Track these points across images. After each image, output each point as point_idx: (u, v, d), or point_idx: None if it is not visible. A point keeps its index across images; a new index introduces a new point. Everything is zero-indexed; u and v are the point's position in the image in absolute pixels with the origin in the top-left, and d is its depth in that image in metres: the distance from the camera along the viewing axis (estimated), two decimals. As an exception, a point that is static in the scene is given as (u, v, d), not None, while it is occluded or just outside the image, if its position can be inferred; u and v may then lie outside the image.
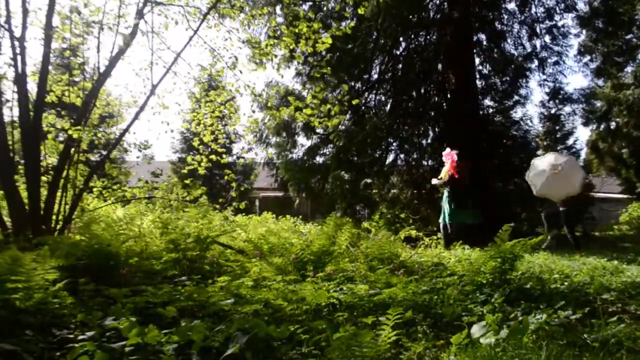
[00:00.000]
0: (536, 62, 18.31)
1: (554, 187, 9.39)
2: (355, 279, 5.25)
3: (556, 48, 18.07)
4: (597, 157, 20.91)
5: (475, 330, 3.13)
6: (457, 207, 9.30)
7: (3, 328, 2.87)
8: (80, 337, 2.79)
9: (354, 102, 10.02)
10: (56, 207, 6.17)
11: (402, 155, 18.75)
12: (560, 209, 9.74)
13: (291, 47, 7.74)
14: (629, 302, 4.79)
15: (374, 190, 17.91)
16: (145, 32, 7.30)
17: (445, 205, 9.67)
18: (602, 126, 20.73)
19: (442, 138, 18.35)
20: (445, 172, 9.64)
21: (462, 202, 9.40)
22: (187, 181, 7.77)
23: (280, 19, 11.65)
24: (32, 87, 6.37)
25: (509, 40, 18.57)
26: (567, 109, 19.28)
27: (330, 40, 7.75)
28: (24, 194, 5.99)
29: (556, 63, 18.17)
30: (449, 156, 9.82)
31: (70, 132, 6.28)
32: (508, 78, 18.32)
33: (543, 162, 9.92)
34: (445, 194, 9.66)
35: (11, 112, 6.34)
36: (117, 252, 4.95)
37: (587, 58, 19.26)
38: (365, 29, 16.43)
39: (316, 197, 18.39)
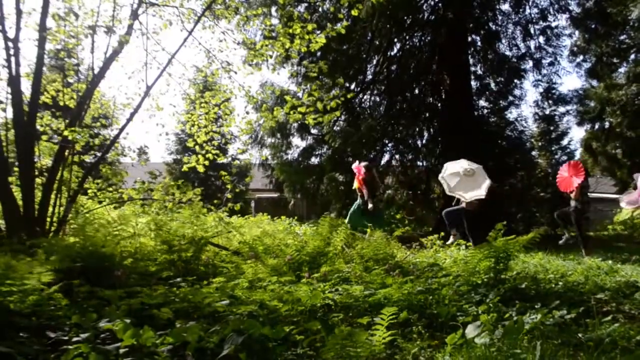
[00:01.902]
0: (530, 63, 18.41)
1: (464, 187, 10.15)
2: (350, 279, 5.25)
3: (550, 49, 18.18)
4: (592, 157, 20.96)
5: (470, 330, 3.14)
6: (363, 215, 9.55)
7: (-3, 330, 2.86)
8: (75, 339, 2.78)
9: (349, 95, 10.04)
10: (50, 208, 6.15)
11: (397, 156, 18.80)
12: (465, 209, 10.31)
13: (286, 47, 7.74)
14: (623, 302, 4.80)
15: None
16: (139, 33, 7.29)
17: (352, 211, 9.99)
18: (596, 126, 20.79)
19: (437, 139, 18.42)
20: (357, 184, 10.05)
21: (369, 211, 9.65)
22: (179, 182, 7.75)
23: (275, 20, 11.66)
24: (26, 88, 6.36)
25: (503, 41, 18.64)
26: (561, 109, 19.40)
27: (324, 40, 7.75)
28: (18, 196, 5.97)
29: (550, 64, 18.28)
30: (357, 169, 10.20)
31: (65, 133, 6.26)
32: (502, 79, 18.38)
33: (456, 165, 10.64)
34: (358, 201, 9.95)
35: (5, 114, 6.33)
36: (112, 253, 4.93)
37: (580, 58, 19.33)
38: (359, 30, 16.45)
39: (311, 198, 18.39)
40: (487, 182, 10.22)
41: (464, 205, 10.41)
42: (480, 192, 10.06)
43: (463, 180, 10.20)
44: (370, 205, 9.60)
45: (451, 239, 10.03)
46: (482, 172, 10.53)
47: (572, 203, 10.16)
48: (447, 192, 10.63)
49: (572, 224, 10.27)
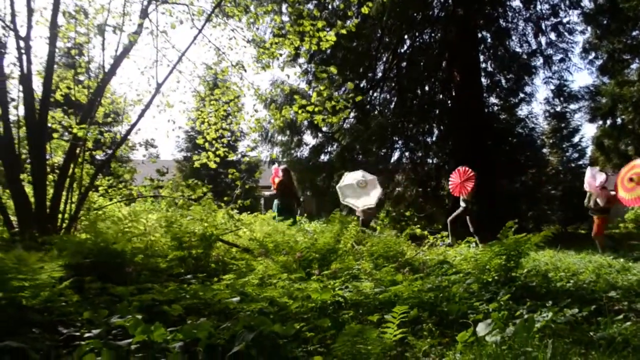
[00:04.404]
0: (541, 60, 18.27)
1: (357, 197, 11.18)
2: (360, 277, 5.25)
3: (562, 45, 18.04)
4: (603, 155, 20.80)
5: (481, 328, 3.13)
6: (280, 214, 10.11)
7: (10, 326, 2.88)
8: (87, 335, 2.80)
9: (357, 98, 10.10)
10: (62, 205, 6.18)
11: (407, 153, 18.77)
12: (361, 218, 11.26)
13: (296, 45, 7.73)
14: (635, 300, 4.77)
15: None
16: (150, 30, 7.30)
17: (274, 212, 10.63)
18: (608, 123, 20.62)
19: (447, 136, 18.36)
20: (276, 184, 10.93)
21: (286, 210, 10.40)
22: (189, 181, 7.76)
23: (285, 18, 11.66)
24: (37, 86, 6.39)
25: (513, 38, 18.55)
26: (573, 106, 19.25)
27: (334, 38, 7.74)
28: (30, 193, 6.01)
29: (562, 60, 18.13)
30: (276, 171, 11.19)
31: (75, 130, 6.29)
32: (513, 75, 18.28)
33: (352, 176, 11.69)
34: (276, 201, 10.74)
35: (17, 111, 6.37)
36: (123, 250, 4.96)
37: (592, 55, 19.18)
38: (369, 27, 16.43)
39: (321, 196, 18.41)
40: (378, 192, 11.28)
41: (360, 216, 11.30)
42: (371, 201, 11.07)
43: (356, 191, 11.18)
44: (299, 201, 10.60)
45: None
46: (375, 182, 11.49)
47: (462, 204, 11.68)
48: (341, 201, 11.71)
49: (454, 224, 11.56)
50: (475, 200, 11.59)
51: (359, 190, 11.19)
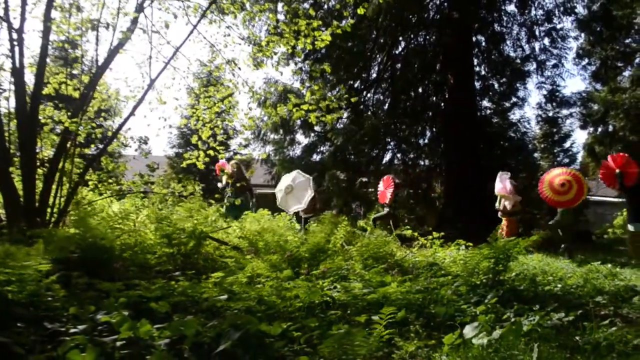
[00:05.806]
0: (534, 65, 18.37)
1: (287, 202, 11.71)
2: (349, 277, 5.25)
3: (555, 51, 18.17)
4: (594, 161, 20.88)
5: (468, 330, 3.14)
6: (234, 206, 10.47)
7: (-5, 320, 2.86)
8: (72, 330, 2.78)
9: (353, 99, 10.10)
10: (51, 199, 6.15)
11: (399, 155, 18.81)
12: (304, 216, 11.79)
13: (291, 44, 7.71)
14: (621, 306, 4.80)
15: (370, 189, 17.96)
16: (144, 26, 7.27)
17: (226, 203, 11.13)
18: (599, 130, 20.72)
19: (440, 138, 18.40)
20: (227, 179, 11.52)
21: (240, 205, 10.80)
22: (179, 177, 7.72)
23: (281, 16, 11.64)
24: (29, 78, 6.35)
25: (507, 42, 18.63)
26: (565, 111, 19.37)
27: (329, 38, 7.73)
28: (19, 186, 5.97)
29: (555, 66, 18.25)
30: (224, 165, 11.70)
31: (67, 124, 6.26)
32: (506, 80, 18.37)
33: (286, 180, 12.21)
34: (229, 194, 11.24)
35: (8, 104, 6.33)
36: (111, 245, 4.93)
37: (585, 61, 19.29)
38: (365, 28, 16.43)
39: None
40: (308, 195, 11.60)
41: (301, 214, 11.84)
42: (301, 205, 11.48)
43: (284, 196, 11.71)
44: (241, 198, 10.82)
45: None
46: (300, 196, 11.75)
47: (386, 209, 12.65)
48: (278, 204, 12.05)
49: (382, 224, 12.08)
50: (395, 205, 12.84)
51: (286, 196, 11.68)
